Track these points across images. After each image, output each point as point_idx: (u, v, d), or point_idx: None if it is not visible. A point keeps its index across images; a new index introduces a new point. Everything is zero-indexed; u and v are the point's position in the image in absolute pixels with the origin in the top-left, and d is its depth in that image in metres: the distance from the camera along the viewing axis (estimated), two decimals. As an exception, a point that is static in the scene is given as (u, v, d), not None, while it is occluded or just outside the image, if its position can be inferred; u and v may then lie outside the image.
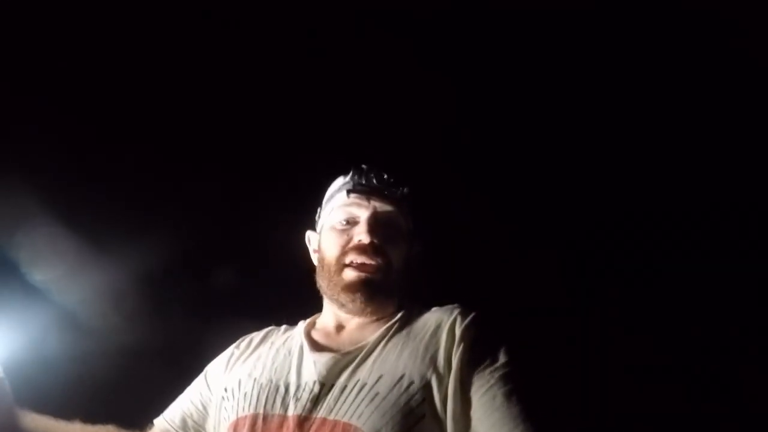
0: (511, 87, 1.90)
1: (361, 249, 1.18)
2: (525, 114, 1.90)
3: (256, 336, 1.32)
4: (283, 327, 1.33)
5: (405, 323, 1.17)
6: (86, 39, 1.69)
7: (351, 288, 1.17)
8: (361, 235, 1.18)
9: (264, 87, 1.81)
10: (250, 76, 1.81)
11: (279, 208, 1.54)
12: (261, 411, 1.11)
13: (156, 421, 1.30)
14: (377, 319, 1.21)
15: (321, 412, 1.06)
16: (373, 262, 1.17)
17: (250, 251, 1.69)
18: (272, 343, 1.27)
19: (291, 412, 1.08)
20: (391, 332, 1.15)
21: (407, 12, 1.82)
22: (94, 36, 1.70)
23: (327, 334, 1.23)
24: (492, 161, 1.91)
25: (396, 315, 1.20)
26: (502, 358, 1.07)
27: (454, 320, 1.12)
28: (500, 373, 1.04)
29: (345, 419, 1.03)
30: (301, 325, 1.29)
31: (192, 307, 1.61)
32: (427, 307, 1.21)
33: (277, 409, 1.10)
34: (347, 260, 1.19)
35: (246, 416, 1.12)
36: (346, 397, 1.06)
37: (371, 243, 1.17)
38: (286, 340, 1.26)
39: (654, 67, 1.83)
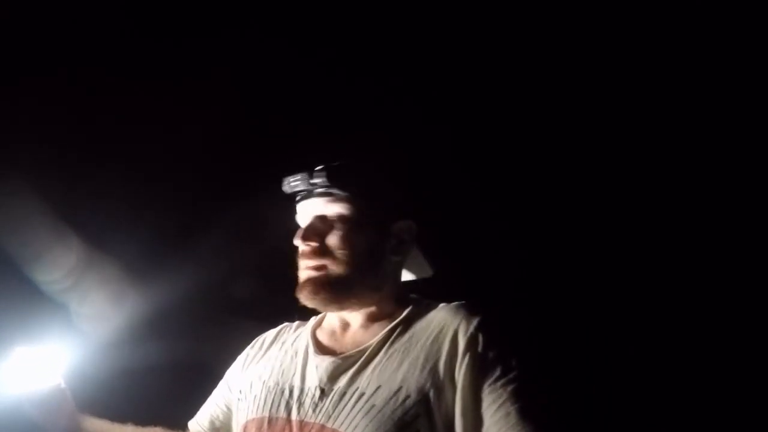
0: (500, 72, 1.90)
1: (302, 255, 1.21)
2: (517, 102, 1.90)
3: (270, 335, 1.37)
4: (296, 324, 1.36)
5: (409, 324, 1.16)
6: (86, 39, 1.74)
7: (299, 288, 1.20)
8: (297, 242, 1.21)
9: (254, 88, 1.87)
10: (252, 77, 1.87)
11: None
12: (267, 414, 1.16)
13: (189, 424, 1.41)
14: (380, 318, 1.21)
15: (320, 418, 1.09)
16: (311, 264, 1.19)
17: (266, 254, 1.71)
18: (283, 342, 1.31)
19: (294, 416, 1.13)
20: (394, 335, 1.15)
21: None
22: (95, 36, 1.75)
23: (332, 334, 1.25)
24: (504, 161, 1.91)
25: (400, 313, 1.19)
26: (513, 369, 1.04)
27: (458, 325, 1.09)
28: (512, 386, 1.02)
29: (342, 429, 1.05)
30: (312, 322, 1.32)
31: (218, 322, 1.70)
32: (434, 303, 1.20)
33: (282, 413, 1.14)
34: (301, 265, 1.22)
35: (254, 419, 1.18)
36: (344, 405, 1.08)
37: (307, 247, 1.19)
38: (295, 340, 1.29)
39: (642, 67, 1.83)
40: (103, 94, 1.80)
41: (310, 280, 1.19)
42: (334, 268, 1.18)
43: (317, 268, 1.19)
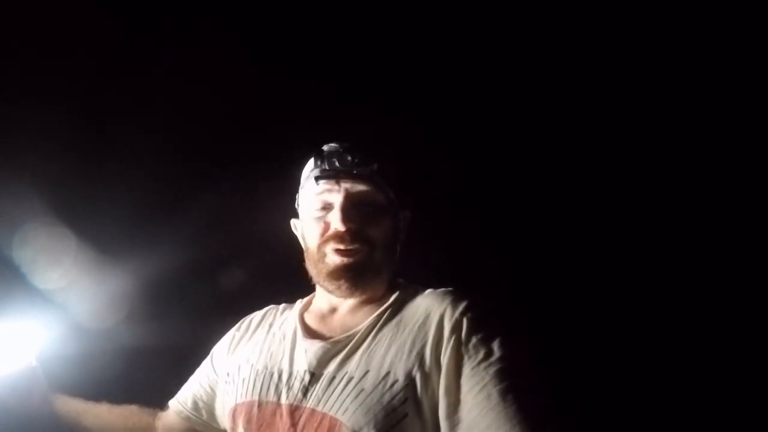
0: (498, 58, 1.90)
1: (338, 237, 1.16)
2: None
3: (256, 317, 1.35)
4: (282, 306, 1.34)
5: (397, 309, 1.16)
6: (87, 38, 1.71)
7: (334, 275, 1.16)
8: (336, 223, 1.15)
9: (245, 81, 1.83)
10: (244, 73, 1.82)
11: (270, 199, 1.53)
12: (257, 398, 1.15)
13: (170, 403, 1.39)
14: (369, 302, 1.20)
15: (310, 402, 1.09)
16: (352, 248, 1.15)
17: (247, 244, 1.72)
18: (270, 325, 1.29)
19: (284, 400, 1.12)
20: (382, 320, 1.15)
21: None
22: (95, 35, 1.72)
23: (320, 318, 1.24)
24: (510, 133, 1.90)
25: (388, 298, 1.19)
26: (497, 352, 1.04)
27: (444, 310, 1.10)
28: (495, 368, 1.02)
29: (332, 413, 1.06)
30: (298, 305, 1.31)
31: (196, 305, 1.68)
32: (422, 289, 1.20)
33: (271, 397, 1.14)
34: (327, 248, 1.17)
35: (243, 403, 1.17)
36: (334, 389, 1.08)
37: (348, 230, 1.15)
38: (282, 323, 1.28)
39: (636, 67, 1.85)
40: (96, 84, 1.75)
41: (350, 267, 1.15)
42: (372, 253, 1.17)
43: (354, 253, 1.16)
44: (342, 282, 1.16)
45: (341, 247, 1.16)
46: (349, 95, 1.85)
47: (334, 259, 1.17)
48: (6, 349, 1.22)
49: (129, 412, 1.37)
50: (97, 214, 1.61)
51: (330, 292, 1.21)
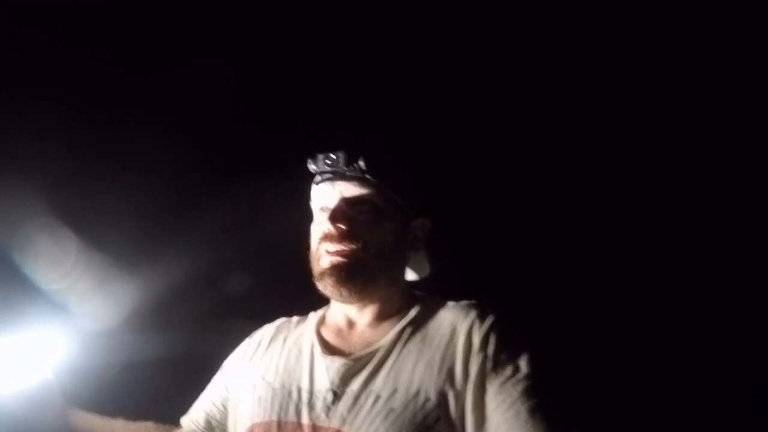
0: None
1: (329, 237, 1.14)
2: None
3: (268, 330, 1.31)
4: (295, 319, 1.31)
5: (419, 324, 1.14)
6: (87, 38, 1.71)
7: (323, 274, 1.15)
8: (326, 223, 1.14)
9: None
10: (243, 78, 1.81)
11: (282, 204, 1.52)
12: (275, 418, 1.11)
13: (182, 421, 1.34)
14: (388, 316, 1.18)
15: (334, 422, 1.05)
16: (341, 249, 1.13)
17: (258, 250, 1.70)
18: (284, 339, 1.26)
19: (305, 420, 1.08)
20: (405, 335, 1.12)
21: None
22: (95, 35, 1.71)
23: (338, 332, 1.21)
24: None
25: (407, 311, 1.17)
26: (524, 368, 1.03)
27: (471, 325, 1.08)
28: (523, 386, 1.01)
29: None
30: (312, 318, 1.27)
31: (209, 313, 1.66)
32: (442, 301, 1.18)
33: (291, 416, 1.10)
34: (322, 249, 1.16)
35: (261, 423, 1.13)
36: (360, 409, 1.05)
37: (337, 230, 1.13)
38: (297, 338, 1.24)
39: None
40: (99, 87, 1.74)
41: (338, 267, 1.13)
42: (363, 254, 1.14)
43: (345, 254, 1.13)
44: (328, 281, 1.14)
45: (331, 247, 1.14)
46: (364, 100, 1.83)
47: (324, 261, 1.15)
48: (22, 362, 1.20)
49: (144, 429, 1.33)
50: (107, 223, 1.61)
51: (322, 292, 1.18)
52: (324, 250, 1.15)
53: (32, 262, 1.41)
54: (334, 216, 1.14)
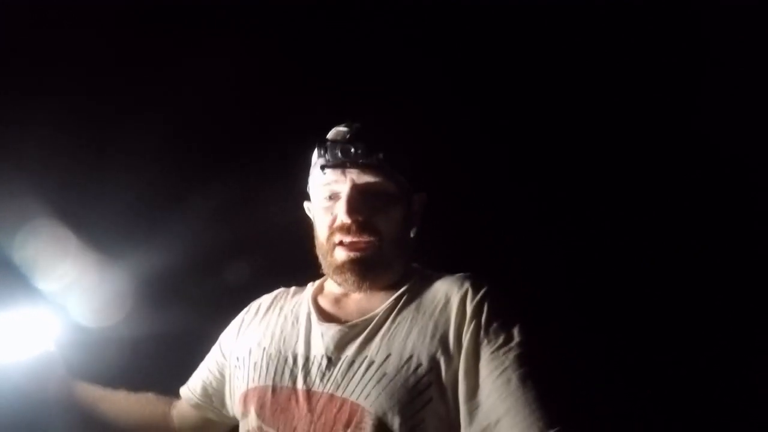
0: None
1: (345, 229, 1.13)
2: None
3: (266, 300, 1.31)
4: (292, 289, 1.31)
5: (414, 294, 1.14)
6: (86, 38, 1.72)
7: (341, 269, 1.14)
8: (342, 215, 1.12)
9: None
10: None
11: (277, 189, 1.52)
12: (270, 383, 1.12)
13: (181, 390, 1.37)
14: (386, 287, 1.17)
15: (329, 387, 1.07)
16: (359, 240, 1.12)
17: (255, 235, 1.71)
18: (281, 308, 1.26)
19: (300, 385, 1.10)
20: (399, 304, 1.13)
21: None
22: (95, 35, 1.72)
23: (334, 301, 1.21)
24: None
25: (404, 282, 1.17)
26: (516, 337, 1.03)
27: (465, 294, 1.09)
28: (515, 353, 1.01)
29: (352, 398, 1.04)
30: (310, 288, 1.27)
31: (208, 293, 1.69)
32: (437, 273, 1.18)
33: (286, 381, 1.11)
34: (336, 240, 1.14)
35: (256, 387, 1.14)
36: (354, 374, 1.06)
37: (354, 221, 1.12)
38: (294, 306, 1.25)
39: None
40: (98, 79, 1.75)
41: (358, 261, 1.13)
42: (381, 246, 1.13)
43: (363, 247, 1.13)
44: (348, 276, 1.14)
45: (347, 239, 1.13)
46: (356, 79, 1.83)
47: (340, 254, 1.15)
48: (24, 335, 1.23)
49: (145, 400, 1.37)
50: (107, 201, 1.62)
51: (339, 285, 1.19)
52: (338, 242, 1.14)
53: (35, 243, 1.42)
54: (351, 207, 1.12)
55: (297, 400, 1.09)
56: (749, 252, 1.75)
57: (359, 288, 1.16)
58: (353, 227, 1.12)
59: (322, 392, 1.08)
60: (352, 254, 1.14)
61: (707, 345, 1.68)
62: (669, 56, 1.83)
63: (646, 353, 1.69)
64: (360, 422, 1.02)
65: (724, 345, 1.68)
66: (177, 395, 1.39)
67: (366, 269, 1.13)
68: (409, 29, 1.87)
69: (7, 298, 1.24)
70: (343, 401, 1.05)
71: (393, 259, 1.17)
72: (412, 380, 1.03)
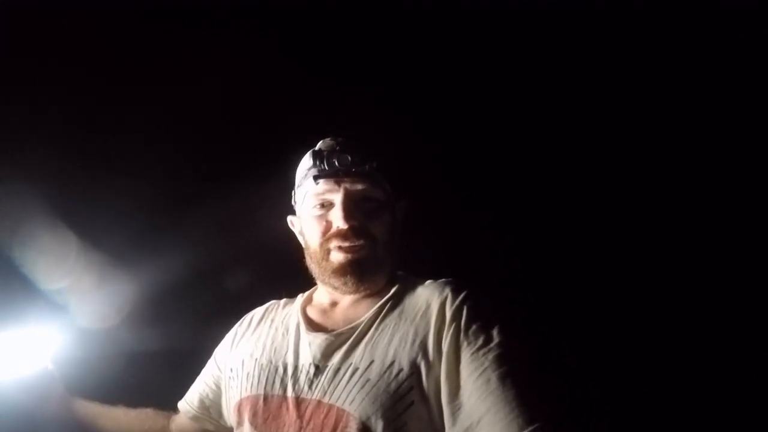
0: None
1: (341, 235, 1.17)
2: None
3: (257, 313, 1.35)
4: (283, 301, 1.35)
5: (398, 300, 1.17)
6: (88, 40, 1.73)
7: (340, 271, 1.17)
8: (338, 221, 1.16)
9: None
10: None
11: (272, 201, 1.52)
12: (262, 392, 1.16)
13: (179, 404, 1.40)
14: (370, 295, 1.21)
15: (316, 394, 1.10)
16: (356, 243, 1.16)
17: (250, 246, 1.73)
18: (272, 320, 1.30)
19: (290, 392, 1.13)
20: (384, 311, 1.16)
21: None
22: (96, 37, 1.74)
23: (322, 311, 1.24)
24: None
25: (388, 290, 1.19)
26: (495, 338, 1.05)
27: (445, 299, 1.11)
28: (494, 354, 1.03)
29: (338, 404, 1.06)
30: (299, 299, 1.31)
31: (203, 308, 1.70)
32: (421, 280, 1.20)
33: (277, 390, 1.14)
34: (331, 245, 1.18)
35: (249, 397, 1.18)
36: (339, 381, 1.09)
37: (350, 227, 1.16)
38: (284, 318, 1.28)
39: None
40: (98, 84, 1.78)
41: (355, 263, 1.17)
42: (375, 248, 1.18)
43: (359, 250, 1.17)
44: (348, 278, 1.18)
45: (345, 244, 1.17)
46: (344, 89, 1.85)
47: (338, 257, 1.18)
48: (22, 353, 1.26)
49: (144, 415, 1.39)
50: (102, 218, 1.63)
51: (335, 289, 1.22)
52: (334, 247, 1.18)
53: (32, 260, 1.45)
54: (347, 214, 1.16)
55: (287, 408, 1.12)
56: (744, 250, 1.73)
57: (357, 289, 1.20)
58: (349, 232, 1.16)
59: (311, 399, 1.11)
60: (350, 256, 1.17)
61: (696, 343, 1.67)
62: (664, 56, 1.84)
63: (631, 351, 1.69)
64: (345, 427, 1.05)
65: (721, 344, 1.66)
66: (175, 410, 1.41)
67: (364, 270, 1.17)
68: (395, 35, 1.89)
69: (5, 315, 1.27)
70: (330, 407, 1.07)
71: (386, 262, 1.21)
72: (393, 385, 1.05)
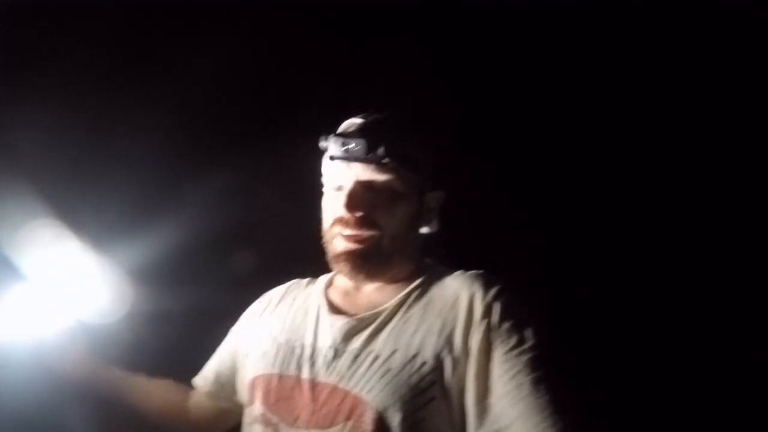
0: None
1: (344, 222, 1.14)
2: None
3: (278, 291, 1.33)
4: (306, 281, 1.33)
5: (425, 289, 1.14)
6: (84, 34, 1.74)
7: (338, 258, 1.16)
8: (341, 208, 1.14)
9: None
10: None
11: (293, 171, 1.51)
12: (277, 371, 1.14)
13: (195, 379, 1.38)
14: (396, 281, 1.17)
15: (332, 378, 1.07)
16: (359, 233, 1.13)
17: (273, 216, 1.72)
18: (294, 299, 1.28)
19: (305, 374, 1.10)
20: (410, 300, 1.13)
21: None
22: (93, 31, 1.75)
23: (345, 294, 1.22)
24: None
25: (415, 278, 1.16)
26: (529, 339, 1.02)
27: (475, 293, 1.08)
28: (528, 356, 1.00)
29: (355, 391, 1.04)
30: (322, 280, 1.29)
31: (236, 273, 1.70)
32: (450, 270, 1.17)
33: (292, 371, 1.12)
34: (335, 231, 1.16)
35: (263, 375, 1.16)
36: (358, 367, 1.06)
37: (353, 216, 1.13)
38: (306, 298, 1.26)
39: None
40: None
41: (353, 254, 1.14)
42: (379, 240, 1.14)
43: (360, 240, 1.13)
44: (344, 266, 1.15)
45: (347, 232, 1.14)
46: (376, 71, 1.80)
47: (339, 244, 1.16)
48: (48, 307, 1.24)
49: (164, 387, 1.37)
50: (127, 171, 1.65)
51: (338, 273, 1.21)
52: (338, 233, 1.16)
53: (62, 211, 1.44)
54: (350, 202, 1.13)
55: (301, 390, 1.10)
56: (745, 250, 1.71)
57: (355, 278, 1.18)
58: (352, 221, 1.13)
59: (326, 383, 1.08)
60: (350, 246, 1.14)
61: (721, 351, 1.63)
62: (664, 56, 1.81)
63: (663, 359, 1.65)
64: (361, 415, 1.02)
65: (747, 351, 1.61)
66: (189, 378, 1.39)
67: (361, 262, 1.14)
68: (431, 19, 1.85)
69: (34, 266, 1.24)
70: (346, 393, 1.05)
71: (394, 255, 1.16)
72: (415, 378, 1.02)
